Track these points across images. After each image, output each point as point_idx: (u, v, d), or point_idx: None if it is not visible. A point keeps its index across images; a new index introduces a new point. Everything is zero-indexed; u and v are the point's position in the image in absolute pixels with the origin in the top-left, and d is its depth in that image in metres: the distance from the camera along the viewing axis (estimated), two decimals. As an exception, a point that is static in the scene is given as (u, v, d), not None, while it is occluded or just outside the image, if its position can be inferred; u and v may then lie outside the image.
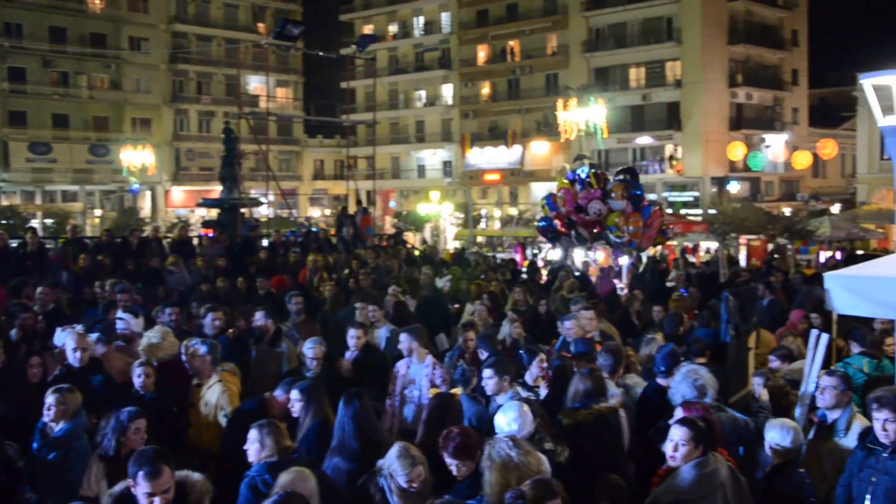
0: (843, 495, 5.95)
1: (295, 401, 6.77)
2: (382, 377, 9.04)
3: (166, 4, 66.89)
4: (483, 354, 8.86)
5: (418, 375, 8.72)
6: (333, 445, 6.34)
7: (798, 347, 9.85)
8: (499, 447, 5.41)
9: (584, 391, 6.92)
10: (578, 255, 18.96)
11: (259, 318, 10.24)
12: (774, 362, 8.49)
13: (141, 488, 4.87)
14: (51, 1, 60.45)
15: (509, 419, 6.10)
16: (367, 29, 68.93)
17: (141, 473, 4.86)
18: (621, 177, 17.63)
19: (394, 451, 5.60)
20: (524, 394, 7.35)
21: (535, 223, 22.15)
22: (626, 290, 16.24)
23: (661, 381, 7.67)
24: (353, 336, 9.19)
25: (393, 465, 5.53)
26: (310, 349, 8.57)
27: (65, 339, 8.32)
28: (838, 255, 31.24)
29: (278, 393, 7.17)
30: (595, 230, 16.72)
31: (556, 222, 17.57)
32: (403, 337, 8.99)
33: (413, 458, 5.52)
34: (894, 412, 5.62)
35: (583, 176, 21.79)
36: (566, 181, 17.90)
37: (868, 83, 7.92)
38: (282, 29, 27.31)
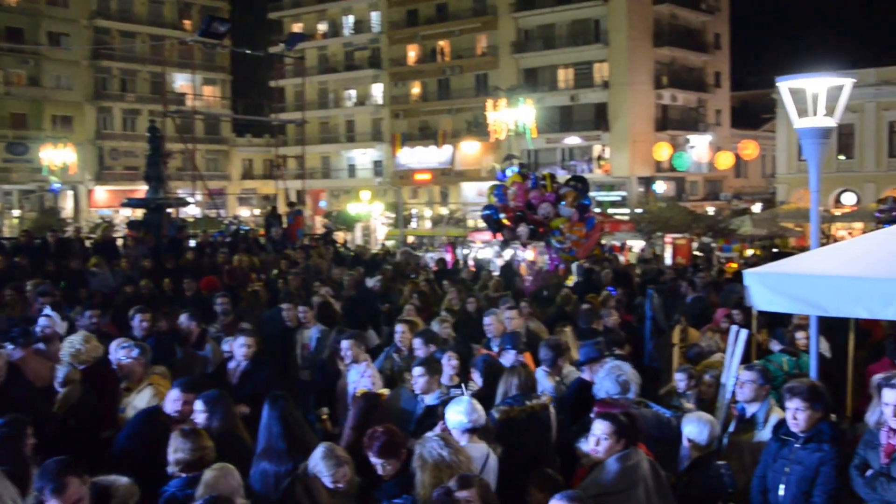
0: (759, 486, 6.11)
1: (199, 411, 6.53)
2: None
3: (87, -1, 65.53)
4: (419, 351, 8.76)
5: (353, 379, 8.66)
6: (260, 449, 6.27)
7: (717, 343, 10.07)
8: (430, 447, 5.42)
9: (515, 386, 6.99)
10: (507, 254, 19.11)
11: (183, 320, 10.15)
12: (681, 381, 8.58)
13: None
14: (-36, -6, 58.85)
15: (461, 412, 6.12)
16: (297, 27, 68.45)
17: (47, 490, 4.74)
18: (573, 184, 17.80)
19: (318, 451, 5.59)
20: (453, 392, 7.38)
21: (480, 213, 22.00)
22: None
23: (584, 375, 7.80)
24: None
25: (318, 465, 5.52)
26: (237, 347, 8.54)
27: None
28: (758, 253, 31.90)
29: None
30: (540, 230, 16.85)
31: (502, 214, 17.64)
32: (346, 344, 8.52)
33: (338, 459, 5.51)
34: (805, 401, 5.80)
35: (510, 175, 21.99)
36: (519, 176, 17.97)
37: (784, 86, 8.11)
38: (208, 26, 26.99)
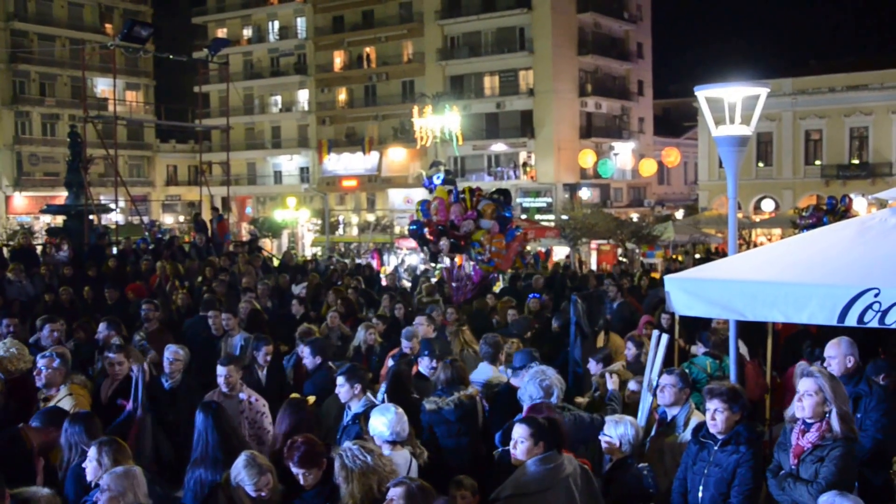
0: (679, 488, 6.22)
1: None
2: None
3: (4, 1, 63.97)
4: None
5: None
6: (195, 457, 6.23)
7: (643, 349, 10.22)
8: (352, 455, 5.42)
9: (444, 380, 7.41)
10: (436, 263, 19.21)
11: (101, 329, 10.00)
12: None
13: None
14: None
15: (385, 423, 6.20)
16: (221, 32, 67.62)
17: None
18: (495, 197, 17.94)
19: (241, 459, 5.57)
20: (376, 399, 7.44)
21: (406, 228, 22.15)
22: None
23: (513, 381, 7.90)
24: (116, 362, 8.32)
25: (240, 474, 5.50)
26: (169, 356, 8.43)
27: None
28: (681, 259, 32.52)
29: (36, 424, 6.61)
30: (461, 243, 16.98)
31: (426, 229, 17.79)
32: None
33: (260, 467, 5.49)
34: (723, 402, 5.93)
35: (438, 182, 22.06)
36: (444, 190, 18.09)
37: (702, 95, 8.28)
38: (129, 30, 26.61)
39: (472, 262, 17.31)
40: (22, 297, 14.58)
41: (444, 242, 17.04)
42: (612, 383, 8.16)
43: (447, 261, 18.12)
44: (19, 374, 7.91)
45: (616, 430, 6.47)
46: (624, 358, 10.01)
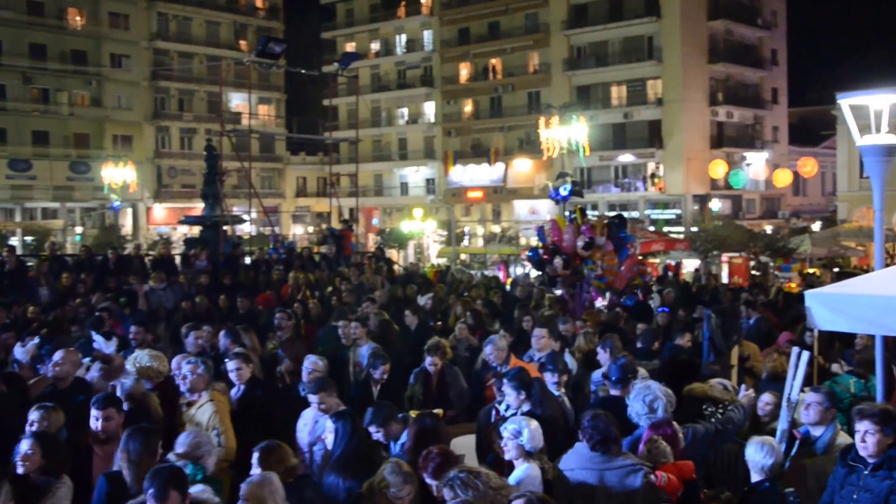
0: (826, 513, 5.95)
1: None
2: (267, 416, 8.11)
3: (147, 21, 66.81)
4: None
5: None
6: (333, 460, 6.39)
7: (783, 365, 9.88)
8: (461, 482, 5.28)
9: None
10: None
11: (221, 338, 10.24)
12: None
13: None
14: (31, 18, 60.24)
15: (527, 432, 6.27)
16: (350, 47, 68.87)
17: (150, 494, 4.94)
18: (608, 220, 17.86)
19: (387, 467, 5.64)
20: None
21: (531, 239, 22.23)
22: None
23: (613, 391, 7.93)
24: (234, 369, 8.36)
25: (384, 481, 5.57)
26: (308, 366, 8.55)
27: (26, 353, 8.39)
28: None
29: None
30: (575, 262, 16.90)
31: (541, 251, 17.84)
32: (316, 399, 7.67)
33: (406, 475, 5.56)
34: (875, 424, 5.62)
35: (564, 194, 21.94)
36: (561, 217, 18.16)
37: (845, 103, 7.97)
38: (264, 47, 27.39)
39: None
40: (166, 305, 15.06)
41: (557, 261, 16.99)
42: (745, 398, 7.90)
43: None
44: (161, 381, 8.18)
45: (760, 452, 6.17)
46: (761, 364, 9.74)
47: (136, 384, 7.53)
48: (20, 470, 5.69)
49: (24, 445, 5.74)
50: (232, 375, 8.28)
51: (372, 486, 5.62)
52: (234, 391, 8.29)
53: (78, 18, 63.02)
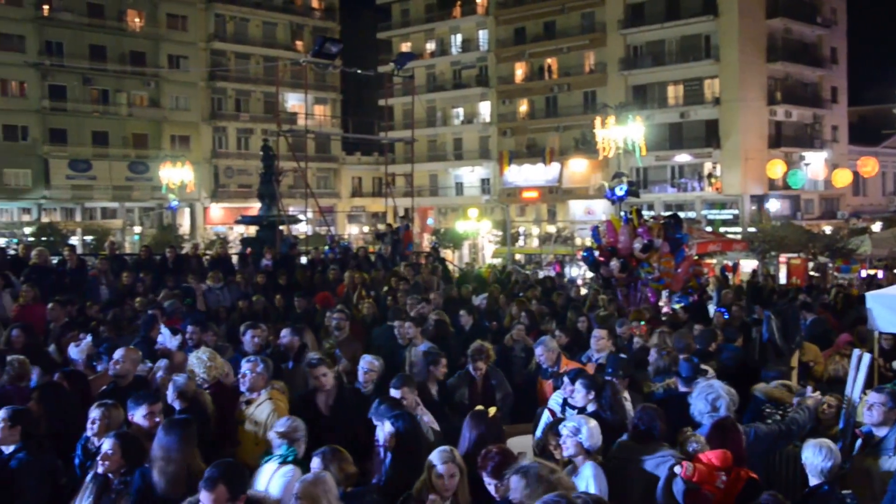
0: (889, 517, 5.84)
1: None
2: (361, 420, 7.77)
3: (205, 22, 67.70)
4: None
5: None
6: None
7: (843, 367, 9.73)
8: (535, 473, 5.26)
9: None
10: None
11: (284, 335, 10.21)
12: None
13: (202, 499, 4.96)
14: (91, 20, 61.34)
15: (586, 430, 6.30)
16: (405, 47, 69.08)
17: (202, 483, 4.98)
18: (664, 221, 17.69)
19: (436, 453, 5.73)
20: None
21: (586, 240, 22.21)
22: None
23: (682, 387, 8.10)
24: (320, 374, 8.17)
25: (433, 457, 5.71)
26: (364, 366, 8.59)
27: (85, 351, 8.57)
28: (880, 274, 30.81)
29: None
30: (632, 264, 16.78)
31: (596, 252, 17.73)
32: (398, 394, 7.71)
33: (452, 456, 5.67)
34: None
35: (621, 194, 21.78)
36: (616, 217, 18.04)
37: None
38: (321, 47, 27.53)
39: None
40: (224, 304, 15.20)
41: (614, 263, 16.89)
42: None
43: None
44: (217, 381, 8.26)
45: (818, 454, 6.06)
46: (822, 366, 9.61)
47: (188, 382, 7.59)
48: (100, 469, 5.78)
49: (106, 445, 5.83)
50: (321, 380, 8.12)
51: (420, 490, 5.66)
52: (322, 397, 8.12)
53: (137, 20, 64.05)
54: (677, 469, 6.04)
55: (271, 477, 6.08)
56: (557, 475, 5.29)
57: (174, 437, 5.97)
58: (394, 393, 7.60)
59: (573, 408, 7.81)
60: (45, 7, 59.25)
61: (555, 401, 8.26)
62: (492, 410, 7.28)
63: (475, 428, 6.69)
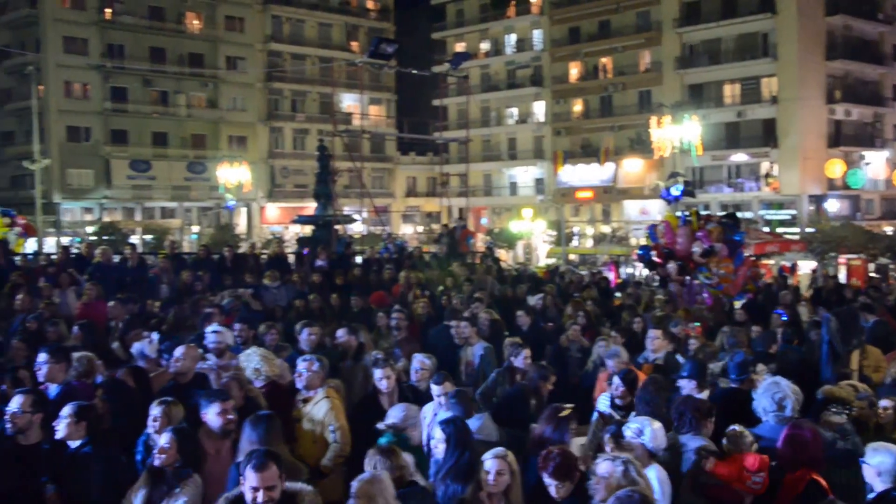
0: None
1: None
2: None
3: (262, 24, 68.46)
4: None
5: None
6: (447, 468, 6.30)
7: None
8: (622, 472, 5.31)
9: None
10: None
11: (341, 334, 10.29)
12: None
13: (248, 482, 4.99)
14: (151, 22, 62.42)
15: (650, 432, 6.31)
16: (460, 47, 69.09)
17: (249, 466, 5.00)
18: (723, 220, 17.50)
19: (488, 452, 5.78)
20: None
21: (641, 240, 22.13)
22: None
23: (732, 383, 8.30)
24: (382, 377, 8.15)
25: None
26: (416, 365, 8.64)
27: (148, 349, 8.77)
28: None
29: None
30: (690, 266, 16.62)
31: (653, 252, 17.56)
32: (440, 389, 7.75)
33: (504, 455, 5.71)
34: None
35: (676, 194, 21.60)
36: (672, 214, 17.88)
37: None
38: (376, 47, 27.72)
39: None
40: (280, 303, 15.36)
41: (671, 265, 16.73)
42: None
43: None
44: (272, 380, 8.36)
45: (885, 459, 6.00)
46: (884, 371, 9.47)
47: (232, 384, 7.70)
48: (156, 462, 5.92)
49: (163, 439, 5.96)
50: (381, 383, 8.11)
51: (476, 493, 5.69)
52: (384, 398, 8.11)
53: (196, 22, 65.00)
54: (706, 464, 6.17)
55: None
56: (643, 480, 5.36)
57: (261, 431, 6.17)
58: (435, 389, 7.67)
59: (619, 408, 7.84)
60: (108, 11, 60.40)
61: (603, 402, 8.26)
62: (569, 408, 7.18)
63: (546, 424, 6.69)
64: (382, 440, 6.36)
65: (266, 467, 4.96)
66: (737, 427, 6.55)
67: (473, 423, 7.02)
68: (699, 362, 8.79)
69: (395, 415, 6.74)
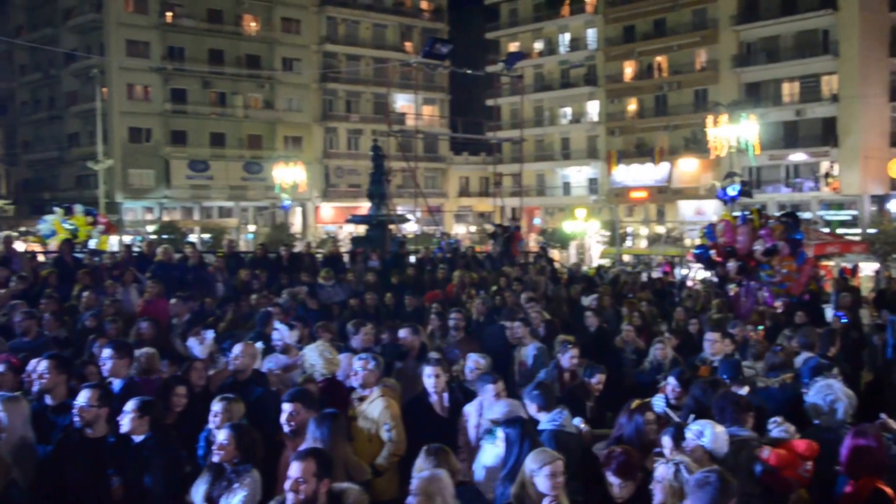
0: None
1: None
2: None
3: (317, 25, 69.07)
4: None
5: None
6: (507, 471, 6.27)
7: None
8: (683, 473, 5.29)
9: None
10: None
11: (405, 334, 10.32)
12: None
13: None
14: (210, 25, 63.33)
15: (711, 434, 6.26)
16: (513, 46, 68.88)
17: (293, 455, 5.19)
18: (783, 219, 17.27)
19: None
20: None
21: (692, 249, 21.94)
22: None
23: (805, 387, 8.02)
24: (431, 375, 8.16)
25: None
26: (471, 364, 8.66)
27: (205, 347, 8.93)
28: None
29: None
30: (751, 264, 16.42)
31: (712, 252, 17.37)
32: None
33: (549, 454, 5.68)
34: None
35: (733, 194, 21.38)
36: (729, 213, 17.69)
37: None
38: (431, 48, 27.79)
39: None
40: (334, 301, 15.51)
41: (731, 264, 16.54)
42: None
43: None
44: (330, 377, 8.44)
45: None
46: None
47: (301, 379, 7.78)
48: (216, 458, 6.03)
49: (221, 436, 6.07)
50: (429, 381, 8.09)
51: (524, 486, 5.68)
52: (435, 398, 8.13)
53: (253, 24, 65.79)
54: (759, 453, 6.17)
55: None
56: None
57: (326, 429, 6.29)
58: (489, 388, 7.65)
59: (675, 408, 7.79)
60: (169, 14, 61.42)
61: (658, 403, 8.20)
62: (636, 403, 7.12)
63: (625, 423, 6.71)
64: (490, 436, 6.56)
65: (303, 459, 5.16)
66: (778, 418, 6.55)
67: (555, 416, 7.04)
68: (734, 361, 8.80)
69: (499, 410, 6.89)
